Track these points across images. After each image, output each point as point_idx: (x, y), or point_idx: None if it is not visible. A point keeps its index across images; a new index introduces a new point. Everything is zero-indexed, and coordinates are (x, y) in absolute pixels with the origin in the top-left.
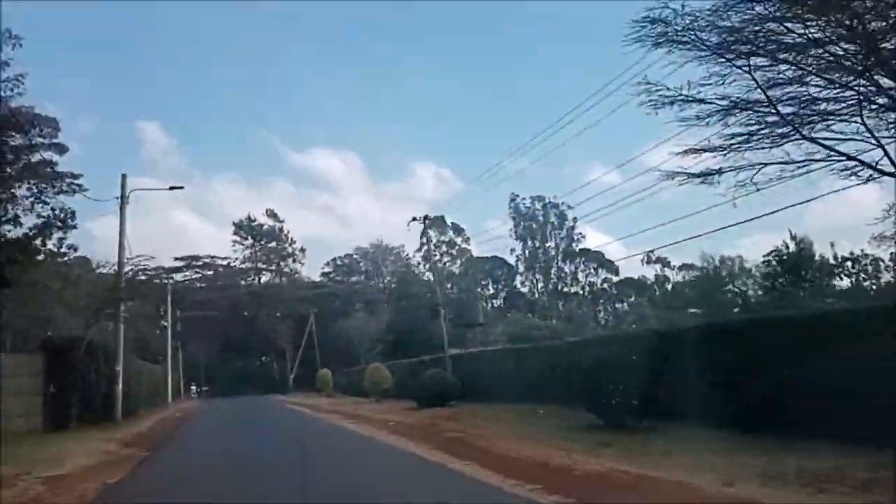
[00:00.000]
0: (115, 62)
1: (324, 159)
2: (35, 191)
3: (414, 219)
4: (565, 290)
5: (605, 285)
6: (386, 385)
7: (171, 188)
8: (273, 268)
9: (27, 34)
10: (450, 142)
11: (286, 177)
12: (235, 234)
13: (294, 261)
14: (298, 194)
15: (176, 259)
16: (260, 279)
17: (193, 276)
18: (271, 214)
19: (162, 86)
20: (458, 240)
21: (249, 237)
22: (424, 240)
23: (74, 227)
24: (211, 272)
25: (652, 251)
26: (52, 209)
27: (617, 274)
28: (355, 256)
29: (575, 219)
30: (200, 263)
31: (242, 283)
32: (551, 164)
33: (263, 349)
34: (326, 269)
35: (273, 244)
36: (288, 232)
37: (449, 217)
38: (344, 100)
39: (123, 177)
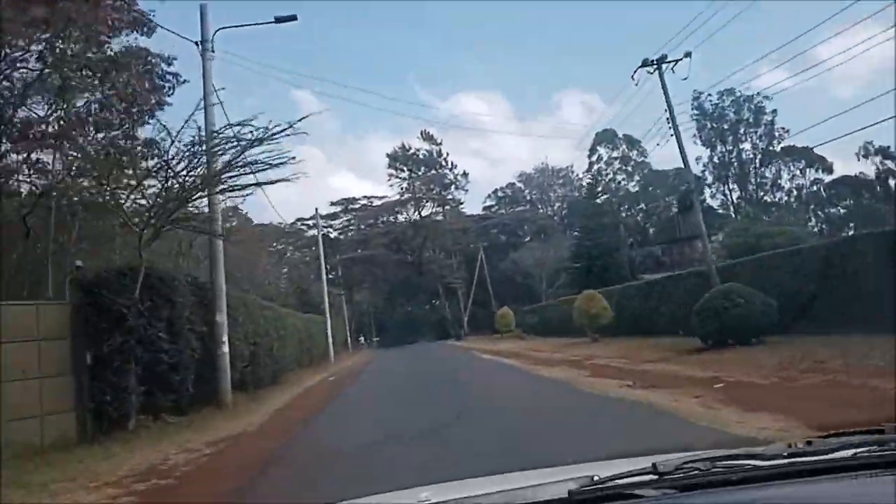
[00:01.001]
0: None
1: (470, 103)
2: None
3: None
4: (766, 198)
5: (816, 187)
6: (606, 319)
7: (278, 20)
8: (434, 195)
9: None
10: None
11: (436, 126)
12: (390, 166)
13: (456, 187)
14: (448, 139)
15: (332, 204)
16: (421, 212)
17: (350, 221)
18: (427, 137)
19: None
20: (633, 153)
21: (405, 168)
22: (594, 157)
23: None
24: (369, 214)
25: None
26: None
27: (831, 172)
28: (518, 185)
29: (775, 111)
30: (358, 206)
31: (402, 218)
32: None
33: (432, 291)
34: (489, 203)
35: (432, 172)
36: (447, 155)
37: (620, 130)
38: (486, 43)
39: (203, 7)
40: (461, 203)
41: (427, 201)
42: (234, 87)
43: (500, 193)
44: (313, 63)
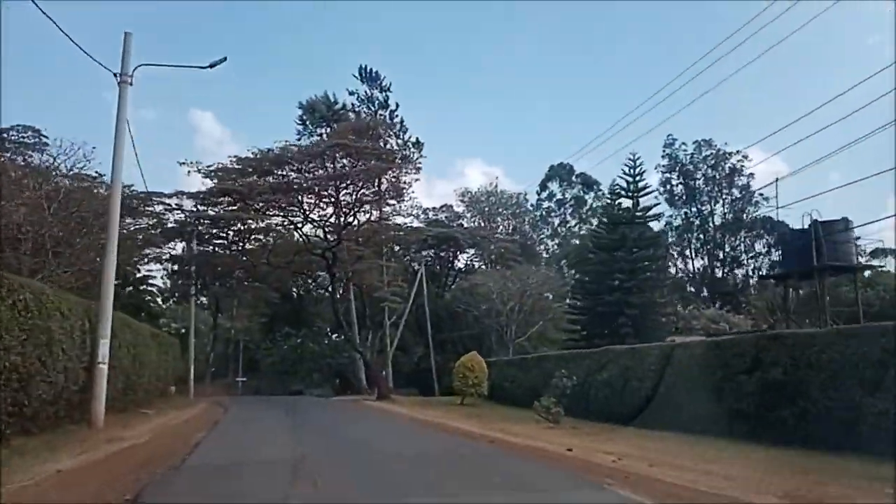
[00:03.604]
0: None
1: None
2: None
3: None
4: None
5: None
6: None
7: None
8: (365, 168)
9: None
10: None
11: None
12: (302, 121)
13: (403, 171)
14: None
15: (207, 175)
16: (338, 194)
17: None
18: (368, 78)
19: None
20: (589, 197)
21: (327, 126)
22: (544, 194)
23: None
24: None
25: None
26: None
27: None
28: (458, 209)
29: (751, 174)
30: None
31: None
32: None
33: (337, 322)
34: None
35: (366, 139)
36: (396, 109)
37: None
38: None
39: (127, 35)
40: (410, 188)
41: (354, 183)
42: None
43: (431, 215)
44: None
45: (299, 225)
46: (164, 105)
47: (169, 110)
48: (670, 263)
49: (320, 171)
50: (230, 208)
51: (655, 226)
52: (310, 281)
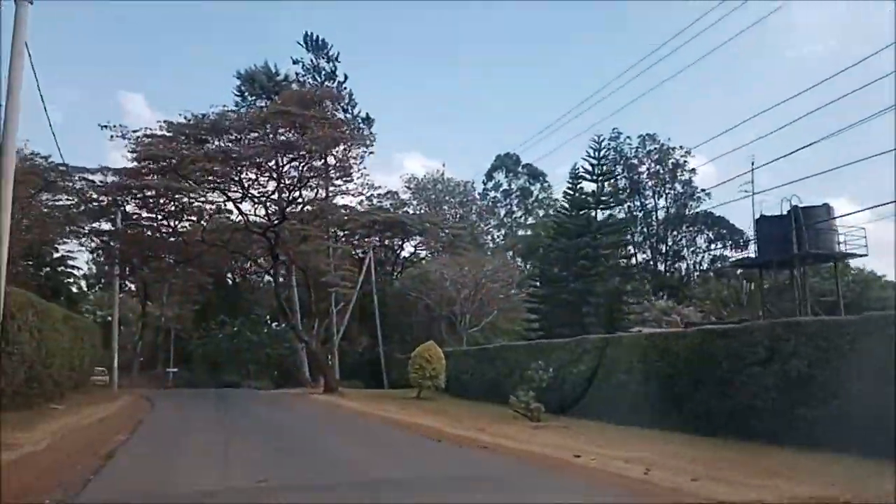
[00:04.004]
0: None
1: None
2: None
3: None
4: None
5: (720, 264)
6: None
7: None
8: (313, 137)
9: None
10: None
11: None
12: (241, 93)
13: (354, 145)
14: None
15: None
16: (282, 168)
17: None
18: (313, 46)
19: None
20: (535, 188)
21: (267, 98)
22: (490, 184)
23: None
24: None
25: None
26: None
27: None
28: (403, 196)
29: (693, 170)
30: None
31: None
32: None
33: (281, 306)
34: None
35: (312, 110)
36: (344, 81)
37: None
38: None
39: None
40: (360, 162)
41: (300, 153)
42: None
43: (376, 202)
44: None
45: (238, 200)
46: (90, 87)
47: (95, 93)
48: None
49: (262, 142)
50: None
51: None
52: (248, 265)
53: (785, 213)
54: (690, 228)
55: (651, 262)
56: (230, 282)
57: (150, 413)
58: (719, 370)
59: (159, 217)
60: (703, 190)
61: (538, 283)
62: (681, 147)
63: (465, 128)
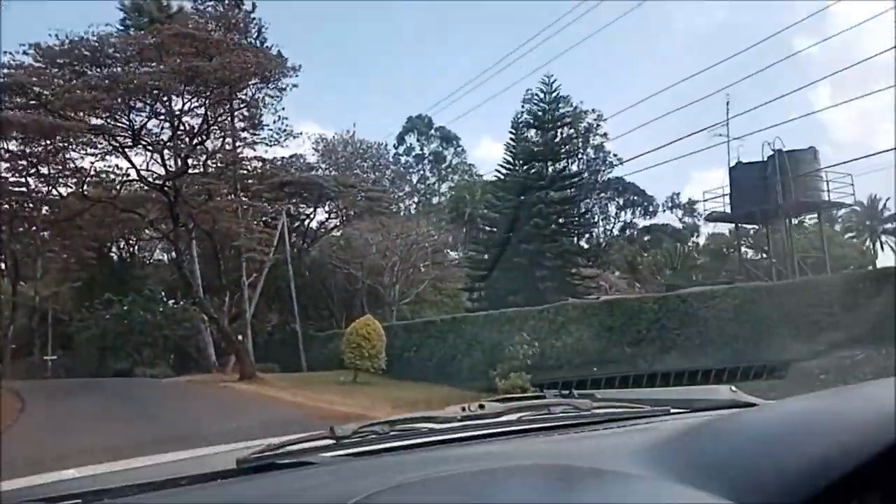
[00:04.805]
0: None
1: None
2: None
3: None
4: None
5: (630, 231)
6: None
7: None
8: (221, 66)
9: None
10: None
11: None
12: (125, 26)
13: (262, 80)
14: None
15: None
16: (181, 114)
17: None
18: None
19: None
20: (448, 153)
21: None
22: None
23: None
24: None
25: None
26: None
27: (653, 216)
28: (311, 159)
29: (605, 134)
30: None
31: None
32: None
33: (183, 275)
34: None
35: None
36: (252, 11)
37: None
38: None
39: None
40: (277, 102)
41: (204, 85)
42: None
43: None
44: None
45: (128, 147)
46: None
47: None
48: None
49: (161, 67)
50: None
51: None
52: (136, 237)
53: (766, 158)
54: (602, 195)
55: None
56: (116, 257)
57: (11, 426)
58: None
59: (31, 185)
60: (615, 155)
61: (481, 248)
62: (593, 111)
63: (374, 89)
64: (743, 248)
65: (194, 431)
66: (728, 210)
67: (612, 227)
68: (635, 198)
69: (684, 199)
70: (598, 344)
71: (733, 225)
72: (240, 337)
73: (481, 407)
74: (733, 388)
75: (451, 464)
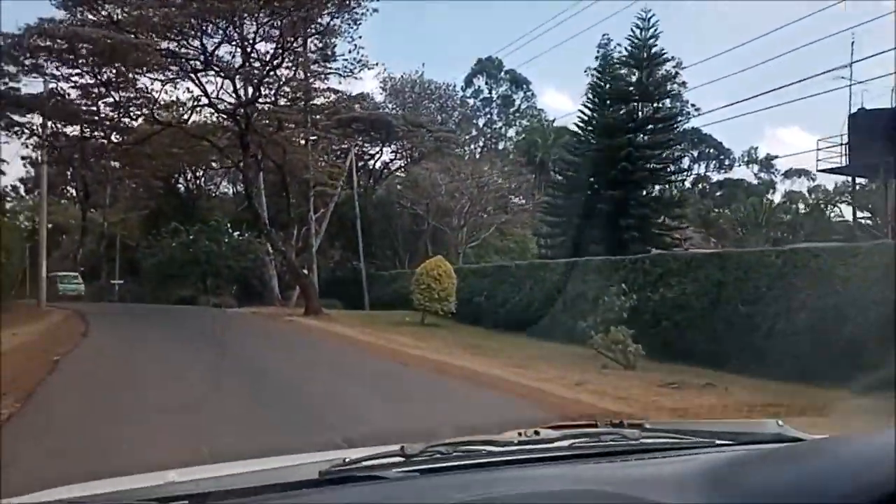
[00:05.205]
0: None
1: None
2: None
3: None
4: None
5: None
6: None
7: None
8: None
9: None
10: None
11: None
12: None
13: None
14: None
15: None
16: (254, 39)
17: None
18: None
19: None
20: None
21: None
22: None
23: None
24: None
25: None
26: None
27: None
28: (378, 98)
29: (684, 83)
30: None
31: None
32: None
33: (252, 204)
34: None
35: None
36: None
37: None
38: None
39: None
40: (353, 30)
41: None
42: None
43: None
44: None
45: (199, 71)
46: None
47: None
48: None
49: None
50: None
51: None
52: (205, 167)
53: (894, 104)
54: (676, 147)
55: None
56: (183, 188)
57: (76, 349)
58: None
59: (101, 111)
60: (692, 105)
61: (560, 192)
62: (672, 58)
63: (444, 30)
64: (843, 206)
65: (271, 368)
66: (845, 162)
67: (685, 181)
68: (711, 150)
69: (762, 154)
70: (704, 300)
71: (813, 182)
72: (305, 272)
73: (536, 433)
74: (780, 422)
75: (509, 485)
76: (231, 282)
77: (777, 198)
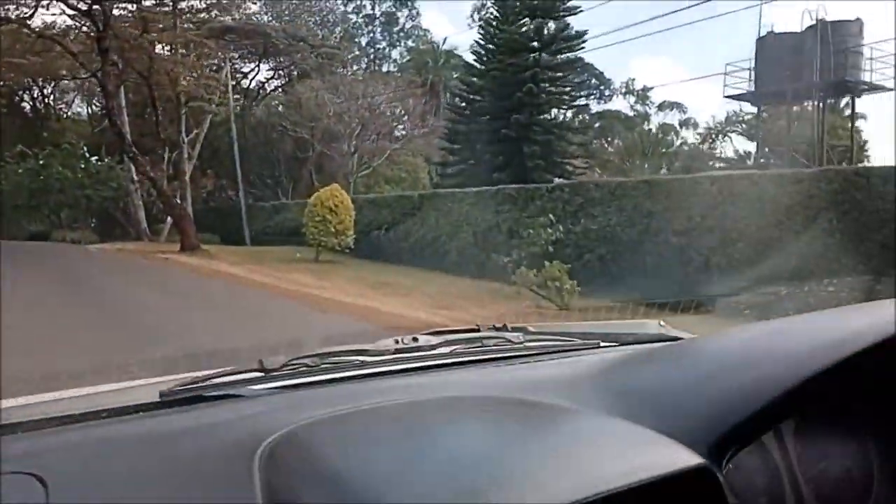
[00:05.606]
0: None
1: None
2: None
3: None
4: None
5: None
6: None
7: None
8: None
9: None
10: None
11: None
12: None
13: None
14: None
15: None
16: None
17: None
18: None
19: None
20: (402, 15)
21: None
22: None
23: None
24: None
25: None
26: None
27: None
28: (252, 8)
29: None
30: None
31: None
32: None
33: (113, 122)
34: None
35: None
36: None
37: None
38: None
39: None
40: None
41: None
42: None
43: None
44: None
45: None
46: None
47: None
48: None
49: None
50: None
51: None
52: (64, 74)
53: (804, 28)
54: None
55: None
56: (29, 107)
57: None
58: None
59: None
60: (576, 31)
61: (458, 116)
62: None
63: None
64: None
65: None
66: (751, 88)
67: (587, 105)
68: (594, 80)
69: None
70: (633, 231)
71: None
72: (178, 202)
73: (415, 339)
74: (662, 322)
75: (382, 396)
76: (90, 214)
77: (652, 129)
